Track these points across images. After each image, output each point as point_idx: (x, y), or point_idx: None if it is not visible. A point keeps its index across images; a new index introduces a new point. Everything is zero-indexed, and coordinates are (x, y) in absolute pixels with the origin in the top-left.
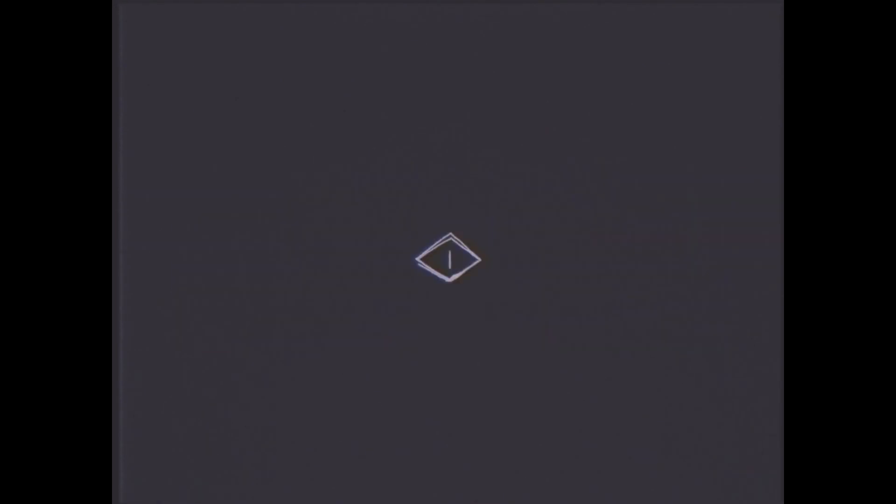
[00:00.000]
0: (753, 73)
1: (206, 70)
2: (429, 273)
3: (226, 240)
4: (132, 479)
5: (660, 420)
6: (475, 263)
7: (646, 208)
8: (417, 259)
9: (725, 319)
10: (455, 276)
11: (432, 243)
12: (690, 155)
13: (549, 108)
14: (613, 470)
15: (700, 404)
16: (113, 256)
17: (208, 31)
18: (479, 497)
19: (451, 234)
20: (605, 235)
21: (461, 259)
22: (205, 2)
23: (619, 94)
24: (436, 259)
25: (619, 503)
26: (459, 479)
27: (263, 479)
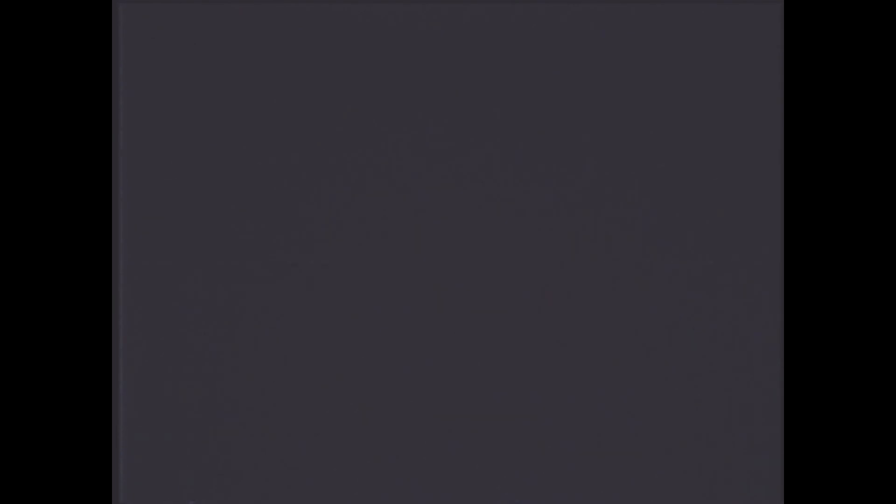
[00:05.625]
0: (753, 73)
1: (206, 70)
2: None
3: (226, 239)
4: (132, 479)
5: (660, 420)
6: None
7: (645, 208)
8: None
9: (725, 319)
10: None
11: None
12: (690, 155)
13: (549, 108)
14: (614, 470)
15: (700, 404)
16: (113, 256)
17: (208, 31)
18: (480, 497)
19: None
20: (605, 235)
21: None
22: (205, 2)
23: (620, 94)
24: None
25: (619, 503)
26: (460, 481)
27: (263, 479)
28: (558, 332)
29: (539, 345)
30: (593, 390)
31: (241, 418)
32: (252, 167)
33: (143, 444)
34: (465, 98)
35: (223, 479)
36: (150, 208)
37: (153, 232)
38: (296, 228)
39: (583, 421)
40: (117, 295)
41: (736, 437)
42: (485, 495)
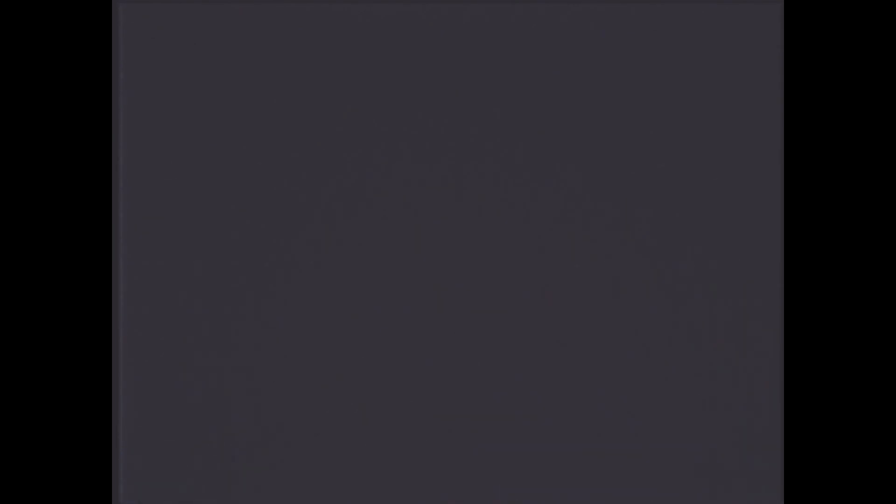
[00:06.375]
0: (753, 73)
1: (206, 70)
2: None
3: (226, 239)
4: (132, 479)
5: (660, 420)
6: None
7: (645, 208)
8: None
9: (725, 319)
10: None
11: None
12: (690, 155)
13: (549, 108)
14: (614, 470)
15: (700, 404)
16: (113, 256)
17: (208, 31)
18: (481, 497)
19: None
20: (604, 235)
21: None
22: (205, 2)
23: (619, 94)
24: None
25: (619, 503)
26: (460, 480)
27: (263, 479)
28: (558, 332)
29: (539, 345)
30: (593, 390)
31: (241, 418)
32: (252, 167)
33: (143, 444)
34: (464, 98)
35: (223, 479)
36: (150, 208)
37: (153, 232)
38: (296, 228)
39: (583, 421)
40: (117, 295)
41: (736, 437)
42: (485, 495)
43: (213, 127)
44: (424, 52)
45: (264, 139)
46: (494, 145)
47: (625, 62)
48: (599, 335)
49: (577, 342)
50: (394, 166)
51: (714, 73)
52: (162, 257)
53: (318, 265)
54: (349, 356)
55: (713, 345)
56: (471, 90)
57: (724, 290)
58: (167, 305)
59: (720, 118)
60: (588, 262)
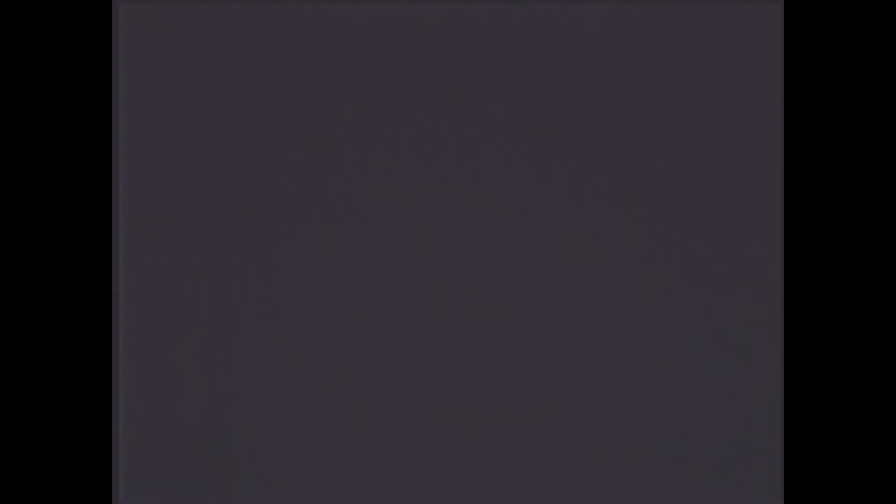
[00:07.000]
0: (753, 73)
1: (206, 70)
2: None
3: (226, 239)
4: (132, 479)
5: (660, 420)
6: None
7: (645, 208)
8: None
9: (725, 319)
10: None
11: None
12: (690, 155)
13: (549, 108)
14: (613, 470)
15: (700, 404)
16: (113, 256)
17: (208, 31)
18: (480, 497)
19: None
20: (605, 235)
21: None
22: (205, 2)
23: (620, 94)
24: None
25: (619, 503)
26: (460, 481)
27: (263, 479)
28: (558, 332)
29: (539, 345)
30: (593, 390)
31: (241, 418)
32: (252, 167)
33: (143, 444)
34: (464, 98)
35: (223, 479)
36: (150, 208)
37: (153, 232)
38: (296, 228)
39: (583, 421)
40: (117, 295)
41: (736, 437)
42: (485, 495)
43: (213, 127)
44: (424, 51)
45: (264, 139)
46: (494, 145)
47: (625, 62)
48: (599, 335)
49: (577, 342)
50: (394, 166)
51: (714, 73)
52: (162, 257)
53: (317, 265)
54: (349, 356)
55: (713, 345)
56: (471, 90)
57: (724, 289)
58: (167, 305)
59: (720, 118)
60: (588, 262)
